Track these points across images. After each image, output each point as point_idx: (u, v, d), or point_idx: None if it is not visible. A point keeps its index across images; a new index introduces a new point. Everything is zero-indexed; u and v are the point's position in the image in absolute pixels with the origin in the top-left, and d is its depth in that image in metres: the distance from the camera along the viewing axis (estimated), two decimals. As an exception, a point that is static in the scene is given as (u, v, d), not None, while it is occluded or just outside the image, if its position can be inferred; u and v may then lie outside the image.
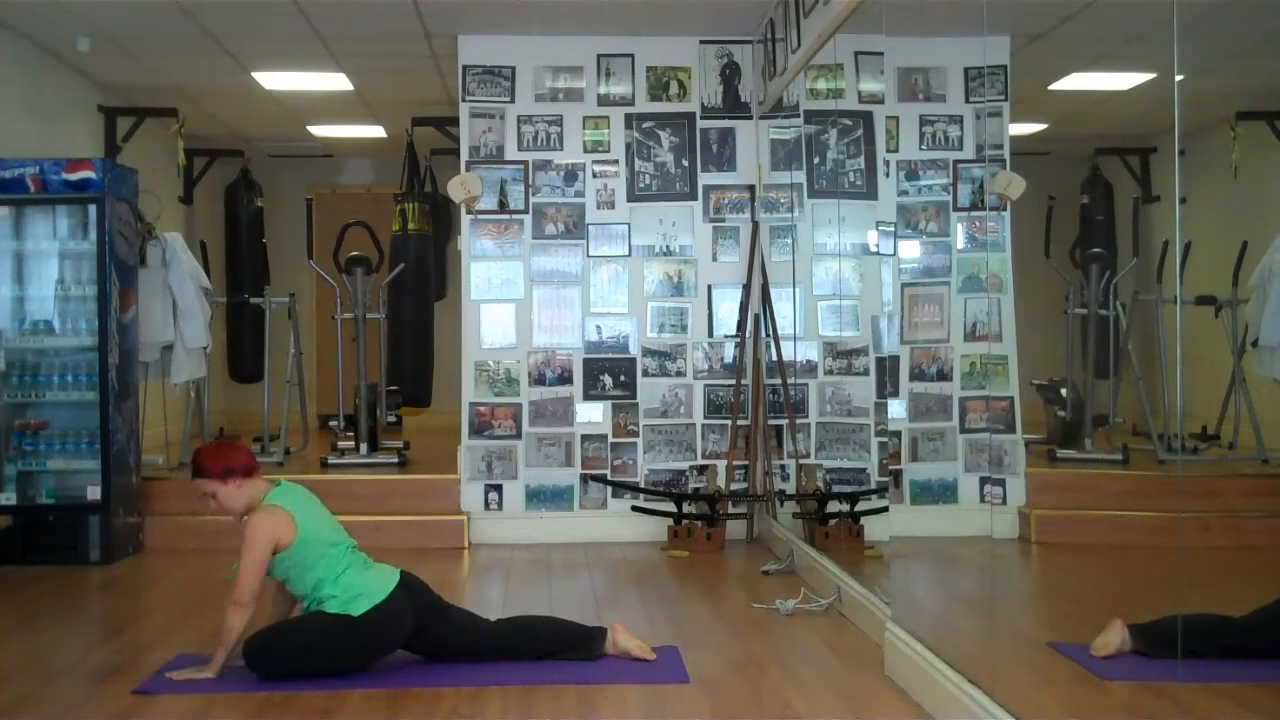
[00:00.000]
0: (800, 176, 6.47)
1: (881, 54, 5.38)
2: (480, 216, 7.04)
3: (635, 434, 7.01)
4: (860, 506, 5.99)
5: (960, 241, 5.86)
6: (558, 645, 4.32)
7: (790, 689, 4.05)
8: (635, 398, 7.02)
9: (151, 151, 8.40)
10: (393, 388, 8.36)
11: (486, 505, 6.96)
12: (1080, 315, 6.70)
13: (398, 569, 4.28)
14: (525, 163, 7.04)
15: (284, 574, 4.18)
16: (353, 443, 7.63)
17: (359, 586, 4.14)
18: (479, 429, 6.99)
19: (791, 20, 5.94)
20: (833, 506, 6.06)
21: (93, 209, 6.39)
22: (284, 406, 7.80)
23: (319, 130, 9.83)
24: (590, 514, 6.96)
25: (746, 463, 6.95)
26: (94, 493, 6.31)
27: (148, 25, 6.74)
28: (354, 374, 7.82)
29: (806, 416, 6.55)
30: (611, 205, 7.06)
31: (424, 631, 4.24)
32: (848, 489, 6.16)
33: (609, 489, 6.95)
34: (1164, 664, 3.76)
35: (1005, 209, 5.44)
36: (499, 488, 6.97)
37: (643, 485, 6.96)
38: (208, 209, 10.09)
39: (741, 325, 6.99)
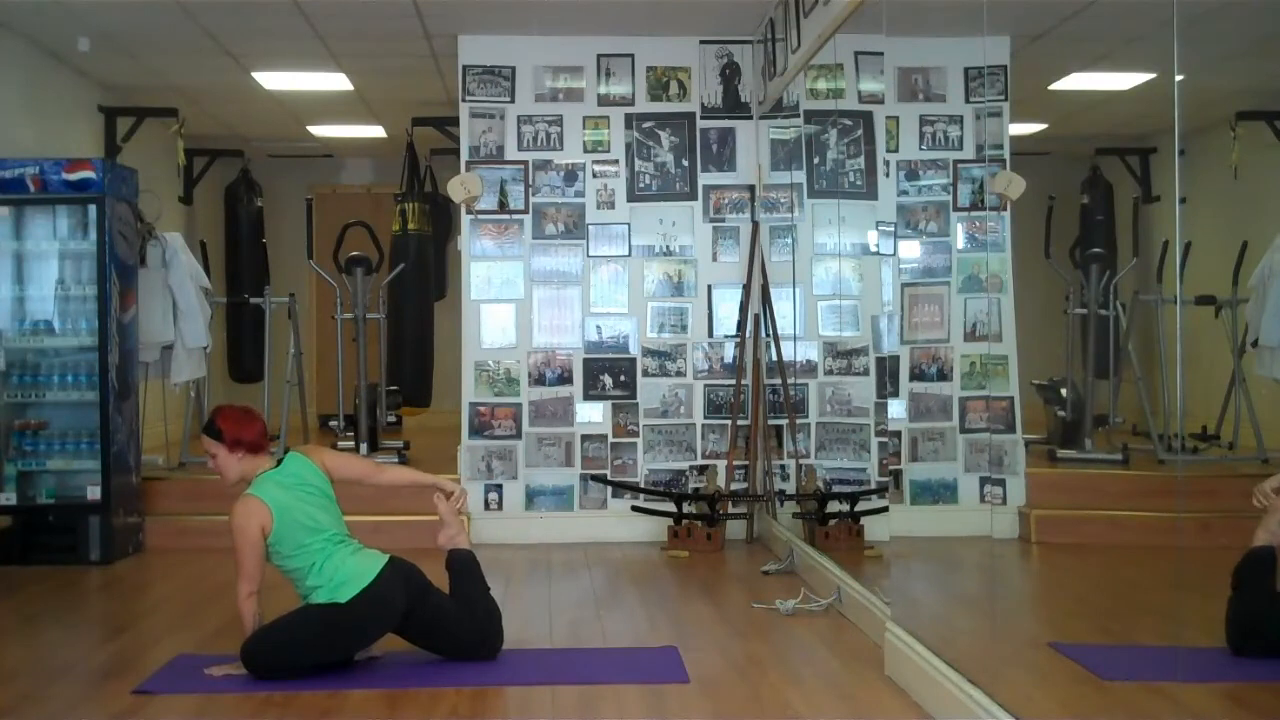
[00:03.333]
0: (800, 176, 6.47)
1: (881, 54, 5.39)
2: (480, 216, 7.04)
3: (635, 434, 7.01)
4: (860, 506, 6.00)
5: (960, 241, 5.87)
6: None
7: (790, 689, 4.05)
8: (635, 398, 7.02)
9: (151, 151, 8.40)
10: (393, 388, 8.35)
11: (486, 505, 6.96)
12: (1080, 315, 6.71)
13: (386, 554, 4.28)
14: (525, 163, 7.04)
15: (272, 560, 4.20)
16: (353, 443, 7.63)
17: (343, 574, 4.14)
18: (479, 429, 6.99)
19: (791, 20, 5.94)
20: (833, 506, 6.06)
21: (93, 209, 6.38)
22: (284, 406, 7.80)
23: (319, 130, 9.83)
24: (590, 514, 6.96)
25: (746, 463, 6.94)
26: (94, 493, 6.31)
27: (148, 25, 6.74)
28: (354, 374, 7.82)
29: (806, 416, 6.55)
30: (611, 205, 7.06)
31: (414, 614, 4.24)
32: (848, 489, 6.17)
33: (609, 489, 6.94)
34: (1164, 664, 3.76)
35: (1005, 209, 5.45)
36: (499, 488, 6.97)
37: (643, 485, 6.95)
38: (208, 209, 10.09)
39: (741, 325, 6.99)
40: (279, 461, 4.33)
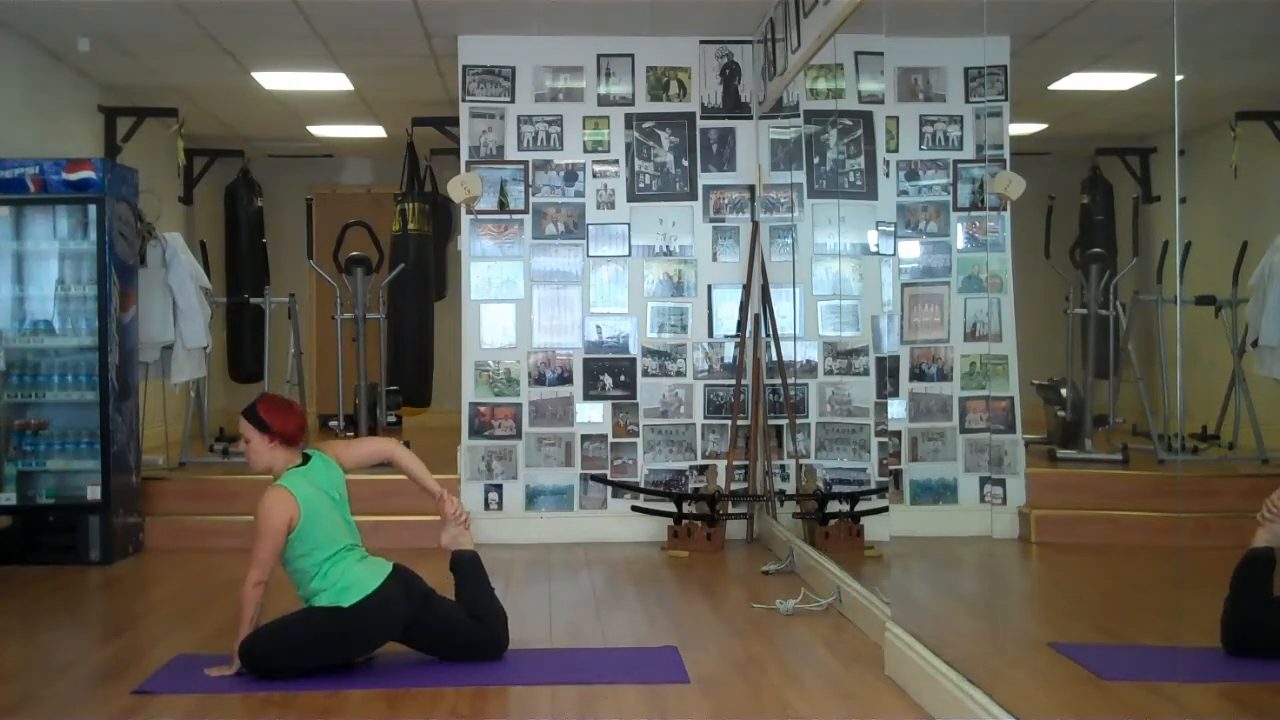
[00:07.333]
0: (800, 176, 6.47)
1: (881, 54, 5.38)
2: (480, 216, 7.04)
3: (635, 434, 7.01)
4: (860, 506, 5.99)
5: (960, 241, 5.87)
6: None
7: (790, 689, 4.05)
8: (635, 398, 7.02)
9: (151, 151, 8.40)
10: (393, 388, 8.36)
11: (486, 505, 6.96)
12: (1080, 315, 6.70)
13: (390, 562, 4.29)
14: (525, 163, 7.04)
15: (284, 556, 4.20)
16: (353, 443, 7.62)
17: (348, 579, 4.15)
18: (479, 429, 6.99)
19: (791, 20, 5.94)
20: (833, 506, 6.06)
21: (93, 209, 6.39)
22: (284, 406, 7.79)
23: (319, 130, 9.83)
24: (590, 514, 6.96)
25: (746, 463, 6.94)
26: (94, 493, 6.31)
27: (148, 25, 6.75)
28: (354, 374, 7.82)
29: (806, 416, 6.55)
30: (611, 205, 7.06)
31: (419, 622, 4.25)
32: (848, 489, 6.16)
33: (609, 489, 6.95)
34: (1164, 664, 3.76)
35: (1005, 209, 5.44)
36: (499, 488, 6.97)
37: (643, 485, 6.95)
38: (208, 209, 10.09)
39: (741, 325, 6.99)
40: (305, 458, 4.32)
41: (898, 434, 5.80)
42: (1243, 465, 5.43)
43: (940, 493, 5.76)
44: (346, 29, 6.84)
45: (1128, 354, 6.58)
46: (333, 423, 8.36)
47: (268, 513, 4.13)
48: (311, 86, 8.25)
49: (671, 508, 6.71)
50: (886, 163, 5.82)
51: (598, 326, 7.05)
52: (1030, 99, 5.80)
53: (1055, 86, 5.91)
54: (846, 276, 6.26)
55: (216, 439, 8.16)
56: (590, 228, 7.05)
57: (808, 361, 6.57)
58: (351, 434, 7.75)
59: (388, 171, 10.12)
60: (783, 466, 6.77)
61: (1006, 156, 5.47)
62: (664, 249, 7.07)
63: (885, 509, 5.83)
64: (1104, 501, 6.04)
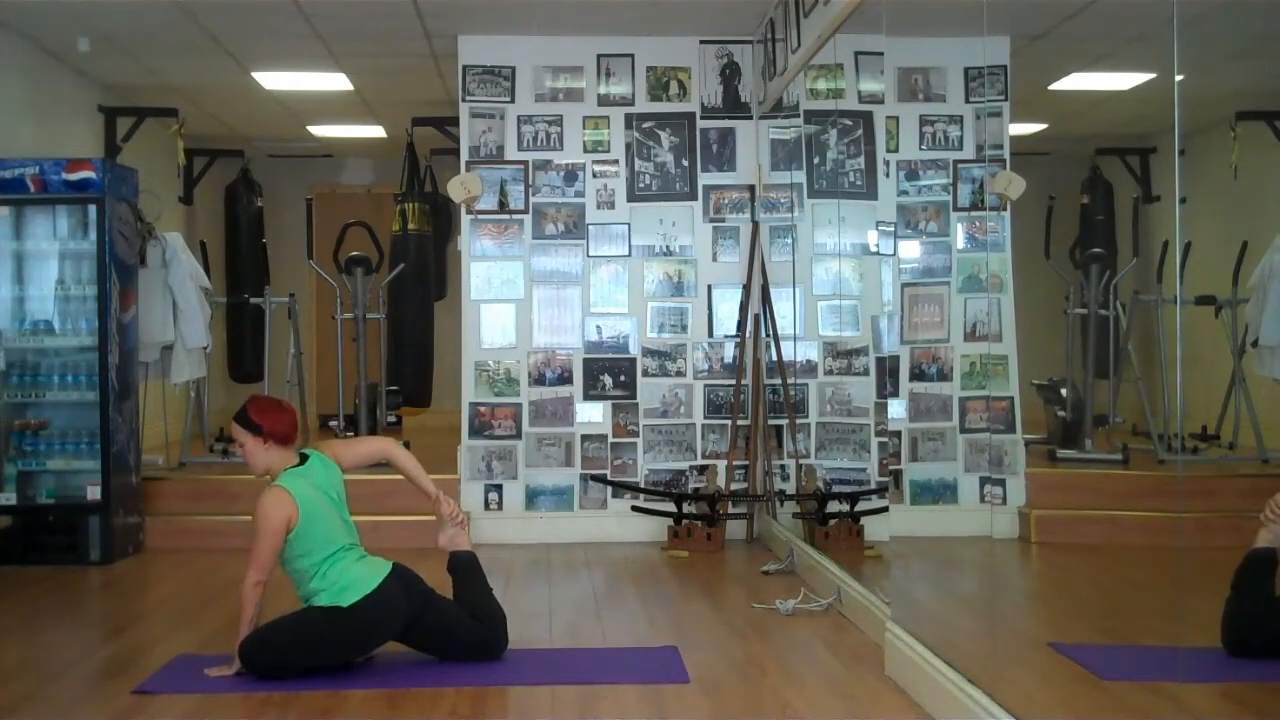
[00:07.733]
0: (800, 176, 6.47)
1: (881, 54, 5.39)
2: (480, 216, 7.04)
3: (635, 434, 7.01)
4: (860, 506, 6.00)
5: (960, 241, 5.88)
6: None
7: (790, 689, 4.05)
8: (635, 398, 7.02)
9: (151, 151, 8.40)
10: (393, 388, 8.35)
11: (486, 505, 6.96)
12: (1080, 315, 6.71)
13: (390, 562, 4.29)
14: (525, 163, 7.04)
15: (282, 556, 4.20)
16: (353, 443, 7.62)
17: (347, 579, 4.15)
18: (479, 429, 6.99)
19: (791, 20, 5.94)
20: (833, 506, 6.06)
21: (93, 209, 6.39)
22: (284, 406, 7.78)
23: (319, 130, 9.83)
24: (590, 514, 6.96)
25: (746, 463, 6.94)
26: (94, 493, 6.31)
27: (148, 25, 6.74)
28: (354, 374, 7.82)
29: (806, 416, 6.55)
30: (611, 205, 7.06)
31: (418, 622, 4.25)
32: (848, 489, 6.17)
33: (609, 489, 6.94)
34: (1164, 664, 3.77)
35: (1005, 209, 5.45)
36: (499, 488, 6.97)
37: (643, 485, 6.95)
38: (208, 209, 10.09)
39: (741, 325, 6.99)
40: (303, 459, 4.33)
41: (898, 434, 5.81)
42: (1243, 465, 5.44)
43: (940, 493, 5.77)
44: (346, 29, 6.84)
45: (1128, 354, 6.59)
46: (333, 423, 8.35)
47: (266, 513, 4.13)
48: (311, 86, 8.25)
49: (671, 508, 6.70)
50: (886, 163, 5.82)
51: (598, 326, 7.05)
52: (1030, 99, 5.81)
53: (1055, 86, 5.92)
54: (846, 276, 6.27)
55: (216, 439, 8.16)
56: (590, 228, 7.05)
57: (808, 361, 6.57)
58: (351, 434, 7.75)
59: (388, 171, 10.12)
60: (783, 466, 6.78)
61: (1006, 156, 5.48)
62: (664, 249, 7.07)
63: (885, 509, 5.83)
64: (1104, 501, 6.05)
